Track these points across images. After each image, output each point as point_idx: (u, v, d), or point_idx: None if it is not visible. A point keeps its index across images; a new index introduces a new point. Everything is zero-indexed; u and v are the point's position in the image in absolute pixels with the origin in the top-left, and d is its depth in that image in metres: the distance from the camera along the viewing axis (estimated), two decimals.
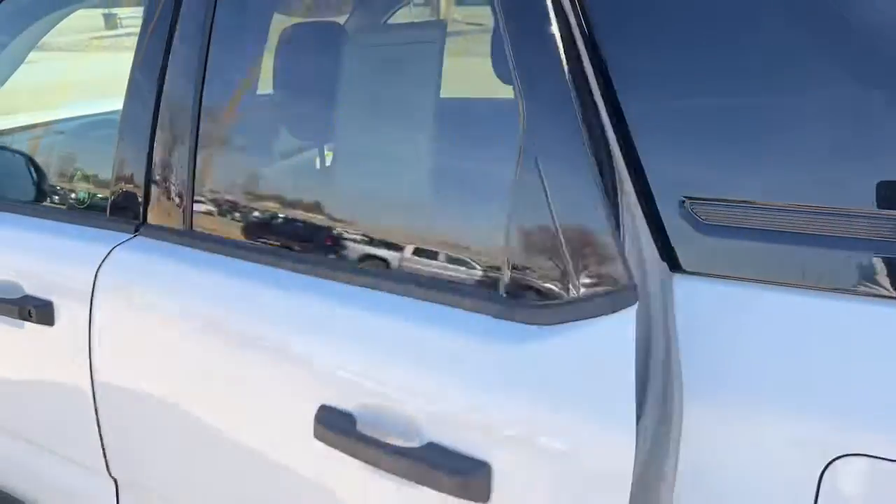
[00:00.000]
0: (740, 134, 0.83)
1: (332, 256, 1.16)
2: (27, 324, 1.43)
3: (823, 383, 0.76)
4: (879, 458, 0.72)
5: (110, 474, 1.44)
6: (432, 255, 1.07)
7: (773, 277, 0.81)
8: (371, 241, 1.13)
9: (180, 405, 1.24)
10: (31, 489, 1.66)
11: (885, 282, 0.76)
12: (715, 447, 0.80)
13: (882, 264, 0.76)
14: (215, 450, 1.21)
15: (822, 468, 0.74)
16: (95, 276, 1.33)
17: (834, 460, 0.74)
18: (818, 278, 0.79)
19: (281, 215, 1.25)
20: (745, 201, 0.83)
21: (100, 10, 1.43)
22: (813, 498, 0.75)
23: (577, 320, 0.85)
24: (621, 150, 0.87)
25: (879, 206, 0.76)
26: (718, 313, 0.83)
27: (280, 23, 1.37)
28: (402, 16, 1.60)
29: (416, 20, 1.71)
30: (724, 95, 0.85)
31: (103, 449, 1.42)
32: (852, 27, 0.78)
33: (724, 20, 0.84)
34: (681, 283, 0.85)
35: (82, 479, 1.51)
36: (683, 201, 0.85)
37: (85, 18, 1.94)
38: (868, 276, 0.77)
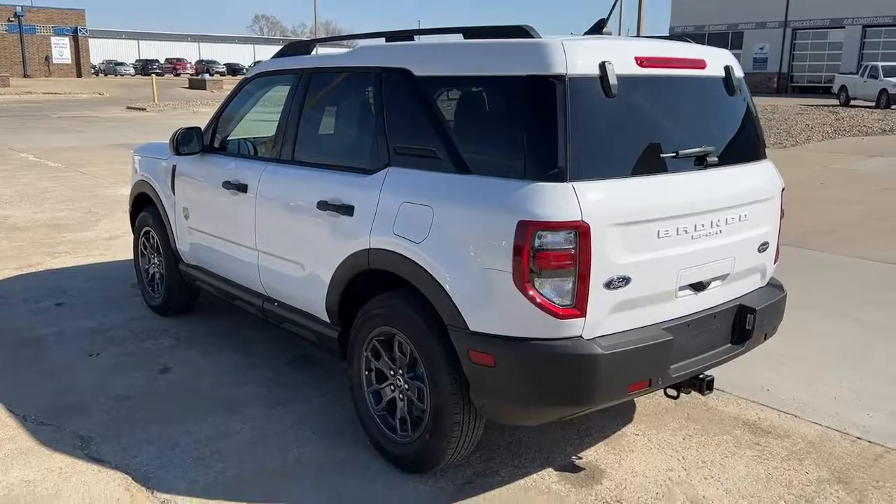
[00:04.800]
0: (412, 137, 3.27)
1: (315, 160, 3.70)
2: (238, 192, 4.13)
3: (419, 192, 3.14)
4: (416, 203, 3.09)
5: (256, 248, 4.08)
6: (340, 156, 3.59)
7: (409, 166, 3.21)
8: (321, 153, 3.70)
9: (273, 216, 3.85)
10: (223, 260, 4.38)
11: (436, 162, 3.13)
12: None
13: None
14: (288, 231, 3.80)
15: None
16: (260, 174, 4.00)
17: (404, 203, 3.14)
18: (420, 164, 3.17)
19: (309, 152, 3.84)
20: (405, 147, 3.25)
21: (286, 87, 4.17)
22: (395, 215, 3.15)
23: (375, 172, 3.33)
24: (387, 138, 3.33)
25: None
26: (397, 175, 3.25)
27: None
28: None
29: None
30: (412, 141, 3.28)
31: (255, 237, 4.06)
32: None
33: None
34: (393, 169, 3.28)
35: (245, 252, 4.17)
36: (396, 147, 3.29)
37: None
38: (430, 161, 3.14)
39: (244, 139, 4.62)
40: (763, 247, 3.43)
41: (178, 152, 4.49)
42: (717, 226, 3.14)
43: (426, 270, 3.00)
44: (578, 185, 2.73)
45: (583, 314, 2.76)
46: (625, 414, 3.85)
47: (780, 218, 3.57)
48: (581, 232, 2.70)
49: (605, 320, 2.83)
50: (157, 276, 5.35)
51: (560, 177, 2.73)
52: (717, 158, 3.16)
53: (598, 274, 2.76)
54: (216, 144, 4.61)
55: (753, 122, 3.52)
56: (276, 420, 3.79)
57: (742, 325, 3.33)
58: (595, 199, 2.74)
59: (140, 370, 4.40)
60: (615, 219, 2.78)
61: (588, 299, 2.76)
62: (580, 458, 3.45)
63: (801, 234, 7.89)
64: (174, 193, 4.86)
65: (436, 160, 3.10)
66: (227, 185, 4.22)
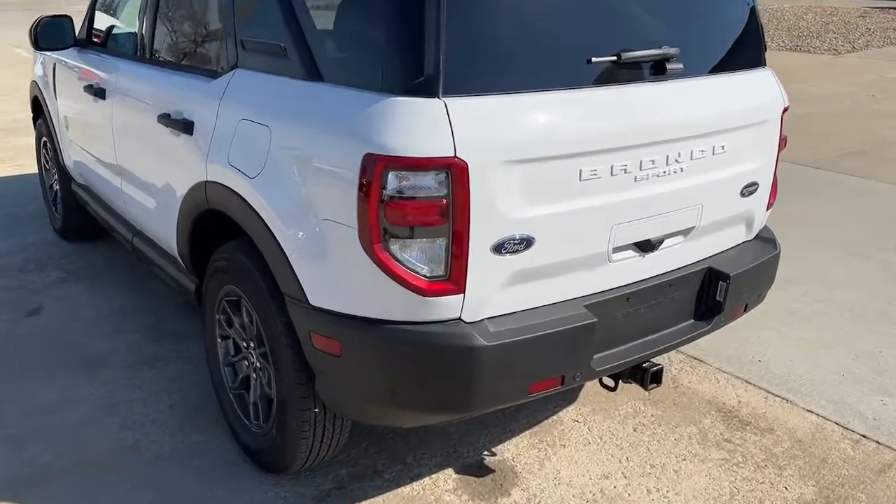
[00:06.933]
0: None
1: (169, 59, 2.84)
2: (98, 98, 3.29)
3: (259, 106, 2.27)
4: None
5: (118, 168, 3.27)
6: (190, 55, 2.72)
7: (258, 69, 2.33)
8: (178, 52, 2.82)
9: (126, 130, 3.02)
10: (98, 182, 3.59)
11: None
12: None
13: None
14: (139, 150, 2.97)
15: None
16: (117, 77, 3.14)
17: (242, 121, 2.28)
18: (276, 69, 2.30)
19: (164, 49, 2.97)
20: (255, 42, 2.36)
21: None
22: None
23: (220, 76, 2.45)
24: (235, 29, 2.44)
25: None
26: (243, 80, 2.37)
27: None
28: None
29: None
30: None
31: (115, 155, 3.25)
32: None
33: None
34: (240, 72, 2.41)
35: (107, 171, 3.37)
36: (244, 40, 2.40)
37: None
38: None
39: (121, 32, 3.74)
40: (749, 189, 2.51)
41: (37, 47, 3.64)
42: (678, 161, 2.23)
43: (259, 216, 2.18)
44: (454, 102, 1.83)
45: (460, 289, 1.93)
46: (569, 391, 3.05)
47: (780, 149, 2.63)
48: (455, 172, 1.83)
49: (495, 297, 1.99)
50: (59, 194, 4.60)
51: (428, 89, 1.83)
52: (682, 65, 2.21)
53: (483, 233, 1.90)
54: (94, 38, 3.75)
55: (747, 13, 2.53)
56: (135, 384, 3.08)
57: (711, 295, 2.46)
58: (479, 123, 1.85)
59: (6, 311, 3.71)
60: (510, 153, 1.89)
61: (468, 269, 1.91)
62: (493, 455, 2.68)
63: (836, 156, 6.80)
64: (56, 98, 4.05)
65: (285, 60, 2.21)
66: (89, 89, 3.38)
